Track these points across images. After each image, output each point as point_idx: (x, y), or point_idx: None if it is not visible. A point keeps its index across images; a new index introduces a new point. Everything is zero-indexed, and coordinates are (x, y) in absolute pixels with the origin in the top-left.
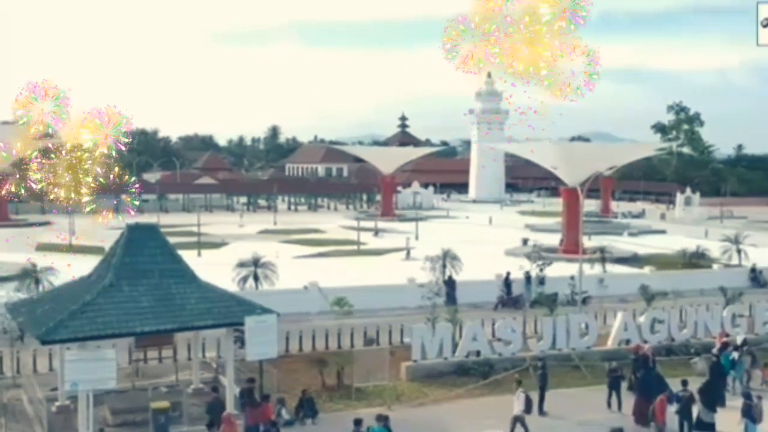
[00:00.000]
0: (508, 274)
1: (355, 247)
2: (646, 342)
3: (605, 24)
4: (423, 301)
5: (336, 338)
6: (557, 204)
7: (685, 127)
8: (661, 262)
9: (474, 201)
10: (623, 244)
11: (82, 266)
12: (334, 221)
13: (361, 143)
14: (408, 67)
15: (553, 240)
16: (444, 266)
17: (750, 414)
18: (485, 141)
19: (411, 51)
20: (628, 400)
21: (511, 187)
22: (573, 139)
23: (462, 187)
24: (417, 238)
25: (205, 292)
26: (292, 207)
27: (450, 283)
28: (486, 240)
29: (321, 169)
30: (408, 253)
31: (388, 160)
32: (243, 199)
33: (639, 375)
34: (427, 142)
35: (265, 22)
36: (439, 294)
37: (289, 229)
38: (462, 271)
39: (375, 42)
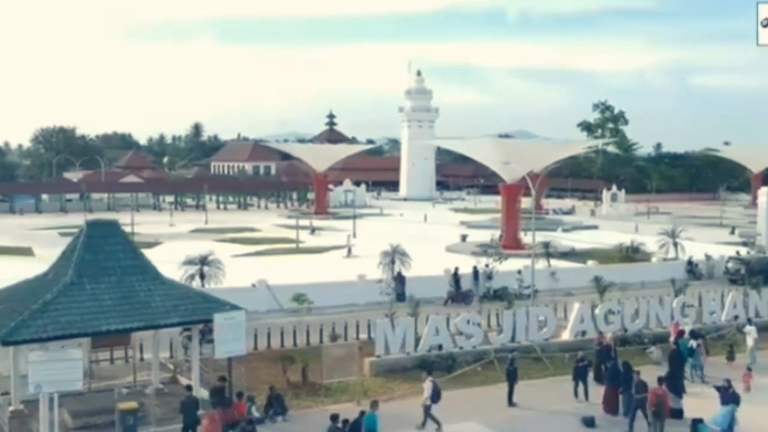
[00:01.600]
0: (457, 269)
1: (293, 245)
2: (601, 333)
3: (526, 24)
4: (374, 297)
5: (292, 335)
6: (488, 201)
7: (611, 125)
8: (599, 256)
9: (405, 199)
10: (559, 239)
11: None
12: (267, 220)
13: (286, 141)
14: (330, 65)
15: (488, 236)
16: (393, 262)
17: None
18: (416, 139)
19: (333, 49)
20: (594, 389)
21: (441, 185)
22: (501, 137)
23: (392, 185)
24: (355, 236)
25: (169, 289)
26: (221, 206)
27: (400, 279)
28: (425, 237)
29: (248, 167)
30: (349, 251)
31: (321, 158)
32: (169, 198)
33: (608, 365)
34: (353, 140)
35: (181, 18)
36: (396, 290)
37: (223, 228)
38: (411, 267)
39: (294, 39)
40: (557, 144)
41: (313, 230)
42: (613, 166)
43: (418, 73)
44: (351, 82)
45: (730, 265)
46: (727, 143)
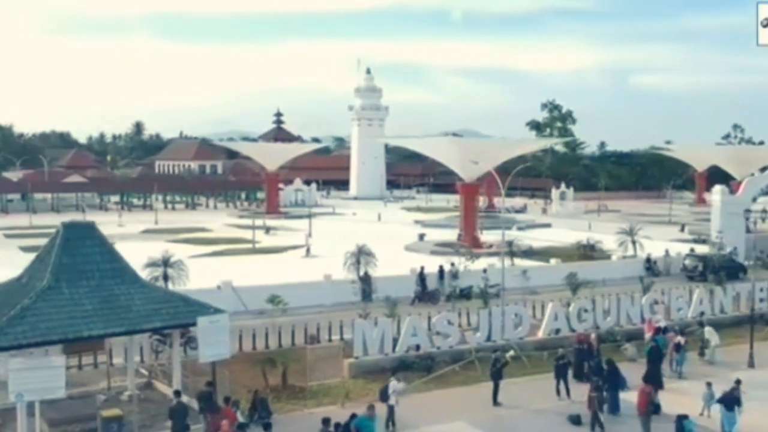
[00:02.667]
0: (422, 269)
1: (249, 246)
2: (574, 330)
3: (470, 24)
4: (340, 298)
5: (264, 338)
6: (439, 200)
7: (559, 124)
8: (558, 254)
9: (355, 198)
10: (516, 238)
11: None
12: (217, 220)
13: (232, 140)
14: (272, 63)
15: (446, 235)
16: (358, 262)
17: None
18: (367, 137)
19: (274, 46)
20: (577, 387)
21: (391, 184)
22: (446, 134)
23: (341, 184)
24: (311, 235)
25: (150, 292)
26: (169, 206)
27: (366, 279)
28: (382, 236)
29: (194, 166)
30: (308, 251)
31: (272, 157)
32: (115, 198)
33: (591, 363)
34: (299, 139)
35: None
36: (374, 290)
37: (174, 228)
38: (377, 267)
39: (235, 36)
40: (515, 142)
41: (267, 230)
42: (562, 164)
43: (368, 71)
44: (293, 79)
45: (687, 262)
46: (668, 142)
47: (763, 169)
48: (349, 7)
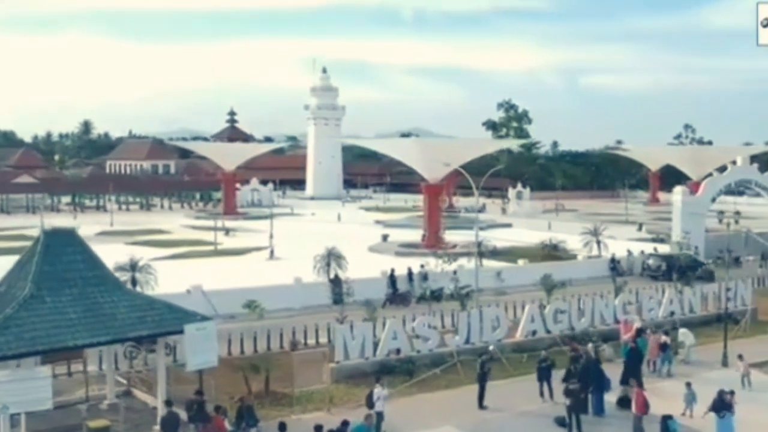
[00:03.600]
0: (393, 270)
1: (210, 248)
2: (549, 332)
3: (421, 23)
4: (310, 301)
5: (239, 343)
6: (397, 200)
7: (515, 124)
8: (522, 254)
9: (312, 198)
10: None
11: None
12: (173, 221)
13: (185, 139)
14: (220, 60)
15: (409, 235)
16: (328, 265)
17: (722, 408)
18: (323, 137)
19: (223, 44)
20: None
21: (348, 183)
22: (403, 135)
23: (296, 184)
24: (272, 236)
25: (134, 300)
26: (123, 206)
27: (336, 282)
28: (344, 237)
29: (146, 166)
30: (272, 253)
31: (230, 157)
32: (66, 199)
33: (579, 365)
34: (252, 138)
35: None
36: (350, 293)
37: (131, 230)
38: (347, 270)
39: (183, 34)
40: (478, 142)
41: (227, 231)
42: (518, 164)
43: (324, 71)
44: (244, 78)
45: (650, 261)
46: (619, 141)
47: (720, 169)
48: (299, 4)
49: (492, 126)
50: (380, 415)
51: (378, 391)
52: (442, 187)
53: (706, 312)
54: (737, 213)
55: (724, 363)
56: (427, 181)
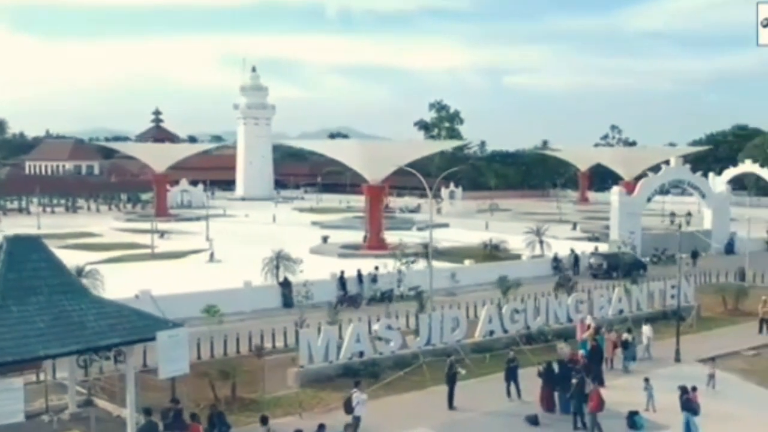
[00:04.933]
0: (342, 273)
1: (146, 251)
2: (507, 332)
3: (346, 22)
4: (260, 305)
5: (196, 348)
6: (330, 200)
7: (447, 124)
8: (464, 254)
9: (243, 199)
10: (417, 238)
11: None
12: (103, 223)
13: (109, 139)
14: (140, 58)
15: (348, 236)
16: (277, 267)
17: (690, 406)
18: (253, 136)
19: (142, 41)
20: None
21: (278, 183)
22: (332, 135)
23: (225, 184)
24: (208, 238)
25: (102, 307)
26: (47, 209)
27: (285, 285)
28: (282, 239)
29: (69, 167)
30: (212, 256)
31: (160, 158)
32: None
33: (542, 367)
34: (177, 138)
35: None
36: (309, 296)
37: (60, 234)
38: (297, 273)
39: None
40: (420, 143)
41: (161, 234)
42: (450, 164)
43: (253, 70)
44: (164, 75)
45: (592, 260)
46: (545, 142)
47: (652, 169)
48: (222, 3)
49: (424, 126)
50: (357, 420)
51: (357, 395)
52: (383, 187)
53: (652, 309)
54: (688, 214)
55: (677, 359)
56: (367, 182)
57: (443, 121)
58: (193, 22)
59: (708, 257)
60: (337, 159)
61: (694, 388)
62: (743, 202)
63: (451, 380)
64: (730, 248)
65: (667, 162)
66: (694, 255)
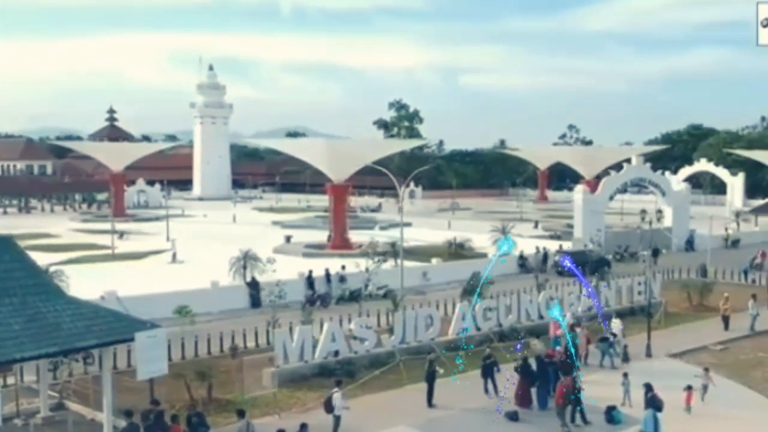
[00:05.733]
0: (311, 272)
1: (106, 252)
2: (479, 329)
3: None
4: (227, 305)
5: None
6: (289, 200)
7: (406, 124)
8: (429, 253)
9: (200, 199)
10: (381, 237)
11: None
12: (59, 224)
13: (59, 138)
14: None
15: (311, 236)
16: (245, 267)
17: (654, 403)
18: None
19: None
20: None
21: (235, 183)
22: (290, 134)
23: (182, 184)
24: (169, 239)
25: (77, 309)
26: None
27: (253, 285)
28: (244, 239)
29: (20, 166)
30: (174, 256)
31: (117, 157)
32: None
33: (520, 364)
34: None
35: None
36: (282, 296)
37: (16, 235)
38: (264, 272)
39: (43, 30)
40: (384, 143)
41: (121, 234)
42: (410, 163)
43: (210, 68)
44: (115, 74)
45: (557, 258)
46: (502, 141)
47: (612, 168)
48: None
49: (384, 125)
50: (338, 419)
51: (337, 397)
52: (348, 187)
53: (620, 305)
54: (659, 212)
55: (648, 354)
56: (331, 181)
57: (403, 120)
58: (145, 20)
59: (669, 254)
60: (300, 158)
61: (690, 387)
62: (699, 201)
63: (431, 379)
64: (689, 245)
65: (627, 161)
66: (655, 252)
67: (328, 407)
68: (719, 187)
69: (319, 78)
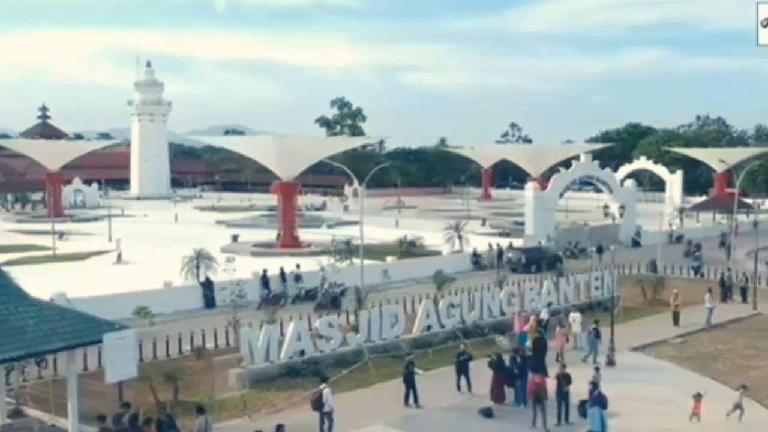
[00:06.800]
0: (265, 271)
1: (47, 253)
2: (443, 326)
3: (235, 16)
4: (181, 306)
5: None
6: (231, 199)
7: (349, 121)
8: (380, 251)
9: (138, 198)
10: (330, 236)
11: None
12: None
13: None
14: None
15: (258, 235)
16: (198, 267)
17: (600, 401)
18: (149, 133)
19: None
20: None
21: (174, 182)
22: (227, 132)
23: (118, 183)
24: (111, 239)
25: (41, 311)
26: None
27: (207, 285)
28: (189, 238)
29: None
30: (119, 257)
31: (55, 156)
32: None
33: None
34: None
35: None
36: (243, 295)
37: None
38: (218, 272)
39: None
40: (334, 141)
41: (60, 235)
42: (354, 161)
43: (148, 64)
44: (45, 71)
45: (511, 255)
46: (443, 139)
47: (559, 165)
48: None
49: (326, 123)
50: (326, 416)
51: (328, 391)
52: (297, 185)
53: (578, 301)
54: (622, 207)
55: (612, 348)
56: (280, 179)
57: (346, 118)
58: (76, 15)
59: (616, 250)
60: (248, 156)
61: (699, 395)
62: (639, 198)
63: (410, 380)
64: (636, 241)
65: (575, 158)
66: (600, 249)
67: (318, 404)
68: (658, 185)
69: (256, 75)
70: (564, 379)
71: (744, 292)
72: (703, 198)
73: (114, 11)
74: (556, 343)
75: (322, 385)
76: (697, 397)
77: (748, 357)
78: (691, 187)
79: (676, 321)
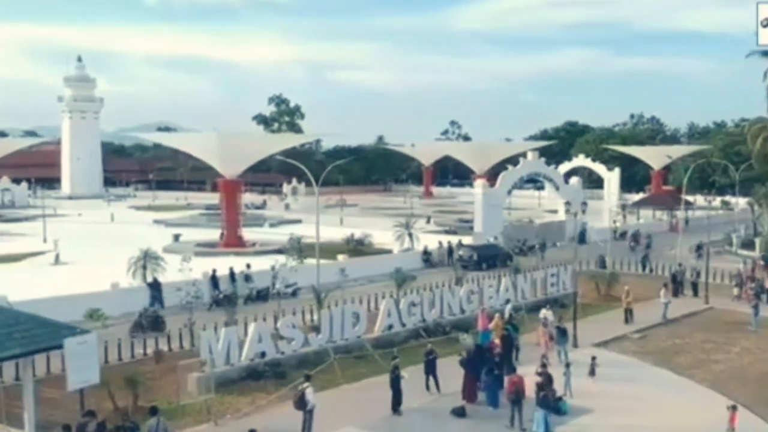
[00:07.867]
0: (215, 271)
1: None
2: (404, 325)
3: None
4: (128, 308)
5: None
6: (167, 197)
7: (287, 119)
8: (329, 250)
9: (70, 197)
10: (274, 235)
11: None
12: None
13: None
14: None
15: (197, 234)
16: (144, 267)
17: (546, 403)
18: (80, 131)
19: None
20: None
21: (107, 181)
22: (159, 129)
23: (47, 182)
24: (45, 240)
25: None
26: None
27: (155, 285)
28: (127, 238)
29: None
30: (57, 258)
31: None
32: None
33: (464, 357)
34: None
35: None
36: (198, 296)
37: None
38: (166, 272)
39: None
40: (277, 138)
41: None
42: (292, 158)
43: (79, 59)
44: None
45: (461, 252)
46: (380, 137)
47: (503, 162)
48: None
49: (263, 121)
50: (311, 415)
51: (311, 389)
52: (240, 183)
53: (535, 297)
54: (584, 203)
55: (575, 344)
56: (222, 177)
57: (283, 115)
58: None
59: (563, 247)
60: (190, 153)
61: (734, 407)
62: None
63: (396, 384)
64: (582, 238)
65: (522, 155)
66: (542, 246)
67: (301, 403)
68: (597, 182)
69: (186, 72)
70: (546, 379)
71: (695, 286)
72: (640, 195)
73: (36, 7)
74: (541, 342)
75: (305, 384)
76: (732, 409)
77: (708, 351)
78: (628, 184)
79: (628, 318)
